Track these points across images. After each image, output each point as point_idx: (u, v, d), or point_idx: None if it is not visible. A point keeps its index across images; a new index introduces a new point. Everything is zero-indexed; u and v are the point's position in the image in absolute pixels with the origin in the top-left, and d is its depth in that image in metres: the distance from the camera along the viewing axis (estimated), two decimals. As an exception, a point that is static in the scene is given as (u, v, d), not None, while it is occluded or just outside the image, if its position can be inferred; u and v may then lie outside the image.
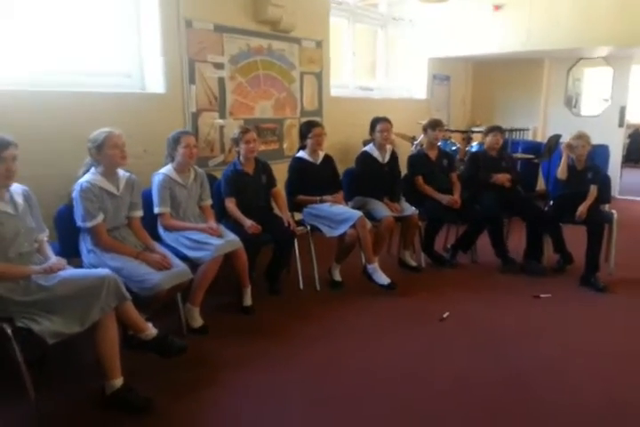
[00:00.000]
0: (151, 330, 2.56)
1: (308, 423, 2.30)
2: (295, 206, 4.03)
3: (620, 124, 7.41)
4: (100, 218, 2.79)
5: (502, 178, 4.46)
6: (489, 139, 4.58)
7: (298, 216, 4.05)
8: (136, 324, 2.53)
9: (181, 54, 4.06)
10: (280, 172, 4.05)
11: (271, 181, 3.84)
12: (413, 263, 4.34)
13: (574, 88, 7.70)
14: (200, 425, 2.29)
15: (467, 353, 2.93)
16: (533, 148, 6.62)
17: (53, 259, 2.46)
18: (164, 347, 2.56)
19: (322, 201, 3.90)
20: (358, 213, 3.75)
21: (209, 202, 3.48)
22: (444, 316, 3.40)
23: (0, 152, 2.24)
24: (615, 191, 7.15)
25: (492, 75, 7.89)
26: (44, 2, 3.40)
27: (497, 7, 6.31)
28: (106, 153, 2.78)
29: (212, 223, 3.33)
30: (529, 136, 7.61)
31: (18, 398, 2.31)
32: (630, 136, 10.53)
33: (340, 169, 4.30)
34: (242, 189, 3.63)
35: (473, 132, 6.88)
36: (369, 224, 3.81)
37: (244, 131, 3.64)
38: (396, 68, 7.02)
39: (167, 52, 3.96)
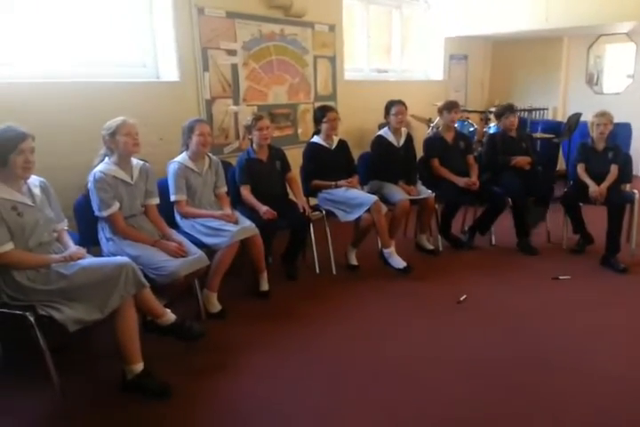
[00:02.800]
0: (169, 316, 2.61)
1: (323, 405, 2.34)
2: (310, 191, 4.04)
3: (644, 101, 7.21)
4: (116, 207, 2.84)
5: (522, 161, 4.39)
6: (503, 122, 4.51)
7: (313, 201, 4.06)
8: (154, 310, 2.58)
9: (194, 42, 4.06)
10: (295, 157, 4.06)
11: (285, 167, 3.85)
12: (430, 246, 4.33)
13: (595, 65, 7.50)
14: (218, 408, 2.34)
15: (484, 336, 2.94)
16: (553, 127, 6.49)
17: (73, 248, 2.52)
18: (182, 332, 2.62)
19: (337, 186, 3.90)
20: (373, 198, 3.75)
21: (224, 189, 3.51)
22: (462, 299, 3.40)
23: (17, 144, 2.28)
24: (638, 170, 6.98)
25: (510, 53, 7.73)
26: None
27: (514, -16, 6.17)
28: (119, 140, 2.81)
29: (228, 210, 3.36)
30: (548, 115, 7.47)
31: (43, 383, 2.39)
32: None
33: (356, 153, 4.29)
34: (256, 176, 3.65)
35: (491, 112, 6.76)
36: (384, 208, 3.81)
37: (257, 118, 3.64)
38: (411, 49, 6.92)
39: (180, 40, 3.97)
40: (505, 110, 4.52)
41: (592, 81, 7.55)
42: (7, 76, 3.20)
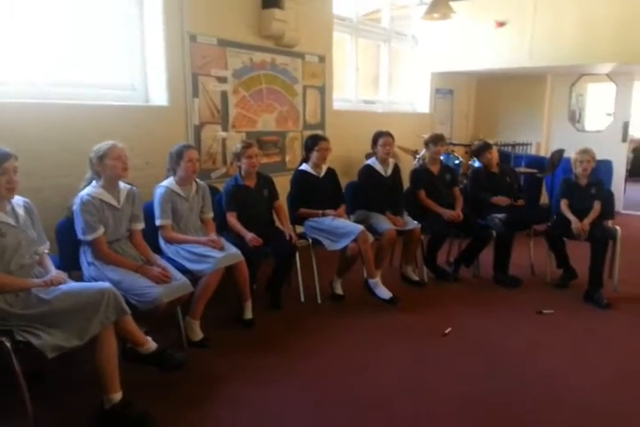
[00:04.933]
0: (150, 344, 2.54)
1: (308, 440, 2.28)
2: (297, 219, 4.02)
3: (624, 140, 7.42)
4: (101, 231, 2.78)
5: (501, 200, 4.42)
6: (482, 160, 4.62)
7: (299, 229, 4.04)
8: (135, 337, 2.51)
9: (185, 68, 4.09)
10: (281, 184, 4.05)
11: (273, 195, 3.84)
12: (415, 278, 4.32)
13: (577, 103, 7.73)
14: (198, 441, 2.26)
15: (468, 369, 2.90)
16: (536, 162, 6.62)
17: (54, 272, 2.46)
18: (163, 361, 2.55)
19: (324, 215, 3.89)
20: (360, 228, 3.74)
21: (210, 215, 3.47)
22: (447, 331, 3.37)
23: (1, 164, 2.24)
24: (619, 206, 7.13)
25: (495, 89, 7.93)
26: (49, 13, 3.43)
27: (500, 24, 6.36)
28: (107, 164, 2.78)
29: (213, 236, 3.32)
30: (532, 151, 7.62)
31: (15, 411, 2.28)
32: (634, 151, 10.50)
33: (342, 182, 4.30)
34: (243, 202, 3.63)
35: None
36: (371, 238, 3.79)
37: (246, 146, 3.64)
38: (398, 82, 7.06)
39: (171, 65, 3.99)
40: (480, 149, 4.62)
41: (574, 118, 7.75)
42: (-5, 95, 3.18)
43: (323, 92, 5.39)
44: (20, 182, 2.35)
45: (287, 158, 5.08)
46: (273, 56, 4.80)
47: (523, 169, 6.31)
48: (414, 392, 2.66)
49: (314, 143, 3.97)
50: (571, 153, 4.36)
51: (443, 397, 2.61)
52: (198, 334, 3.13)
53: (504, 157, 6.17)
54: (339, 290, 3.95)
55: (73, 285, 2.43)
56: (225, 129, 4.46)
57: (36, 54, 3.39)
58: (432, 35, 6.89)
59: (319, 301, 3.87)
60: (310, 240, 3.91)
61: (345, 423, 2.39)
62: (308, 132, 4.71)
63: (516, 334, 3.38)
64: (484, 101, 8.09)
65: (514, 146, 7.12)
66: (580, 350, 3.16)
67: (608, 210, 4.25)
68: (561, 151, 6.14)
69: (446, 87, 7.53)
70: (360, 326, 3.46)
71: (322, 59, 5.32)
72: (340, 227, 3.79)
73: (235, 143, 3.84)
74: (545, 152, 7.56)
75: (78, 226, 2.78)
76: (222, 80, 4.39)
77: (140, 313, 2.66)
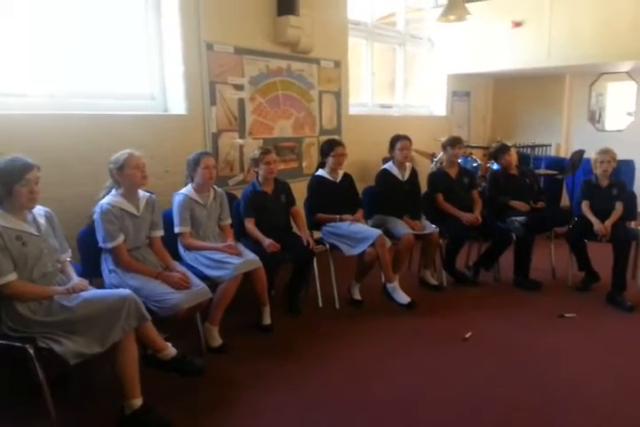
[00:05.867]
0: (170, 350, 2.57)
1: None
2: (314, 225, 4.03)
3: (646, 139, 7.28)
4: (121, 239, 2.83)
5: (519, 205, 4.39)
6: (500, 162, 4.58)
7: (317, 234, 4.05)
8: (155, 344, 2.55)
9: (202, 76, 4.14)
10: (299, 190, 4.07)
11: (290, 201, 3.86)
12: (434, 282, 4.29)
13: (597, 103, 7.61)
14: (218, 447, 2.28)
15: (489, 375, 2.87)
16: (556, 163, 6.54)
17: (76, 280, 2.50)
18: (183, 367, 2.58)
19: (341, 219, 3.90)
20: (377, 232, 3.74)
21: (228, 221, 3.51)
22: (467, 336, 3.34)
23: (23, 174, 2.29)
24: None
25: (512, 90, 7.87)
26: (66, 25, 3.50)
27: (516, 24, 6.32)
28: (127, 173, 2.83)
29: (231, 242, 3.35)
30: (551, 152, 7.54)
31: (39, 416, 2.33)
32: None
33: (360, 187, 4.30)
34: (261, 208, 3.65)
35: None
36: (388, 243, 3.79)
37: (265, 152, 3.67)
38: (415, 86, 7.05)
39: (189, 74, 4.04)
40: (498, 151, 4.58)
41: (594, 118, 7.64)
42: (18, 106, 3.25)
43: (338, 97, 5.41)
44: (43, 192, 2.40)
45: (304, 164, 5.11)
46: (289, 62, 4.83)
47: (543, 171, 6.25)
48: (434, 398, 2.64)
49: (330, 149, 3.99)
50: (591, 154, 4.30)
51: (463, 402, 2.59)
52: (217, 340, 3.16)
53: (523, 158, 6.12)
54: (357, 295, 3.95)
55: (94, 292, 2.48)
56: (242, 136, 4.51)
57: (55, 66, 3.46)
58: (448, 37, 6.87)
59: (337, 306, 3.86)
60: (328, 245, 3.91)
61: (364, 429, 2.38)
62: (324, 138, 4.73)
63: (537, 338, 3.34)
64: (501, 103, 8.03)
65: (533, 147, 7.05)
66: (603, 354, 3.11)
67: (630, 211, 4.19)
68: (581, 152, 6.05)
69: (463, 90, 7.49)
70: (378, 331, 3.46)
71: (337, 64, 5.34)
72: (358, 232, 3.79)
73: (252, 150, 3.88)
74: (565, 153, 7.46)
75: (99, 234, 2.83)
76: (239, 88, 4.43)
77: (160, 319, 2.70)
